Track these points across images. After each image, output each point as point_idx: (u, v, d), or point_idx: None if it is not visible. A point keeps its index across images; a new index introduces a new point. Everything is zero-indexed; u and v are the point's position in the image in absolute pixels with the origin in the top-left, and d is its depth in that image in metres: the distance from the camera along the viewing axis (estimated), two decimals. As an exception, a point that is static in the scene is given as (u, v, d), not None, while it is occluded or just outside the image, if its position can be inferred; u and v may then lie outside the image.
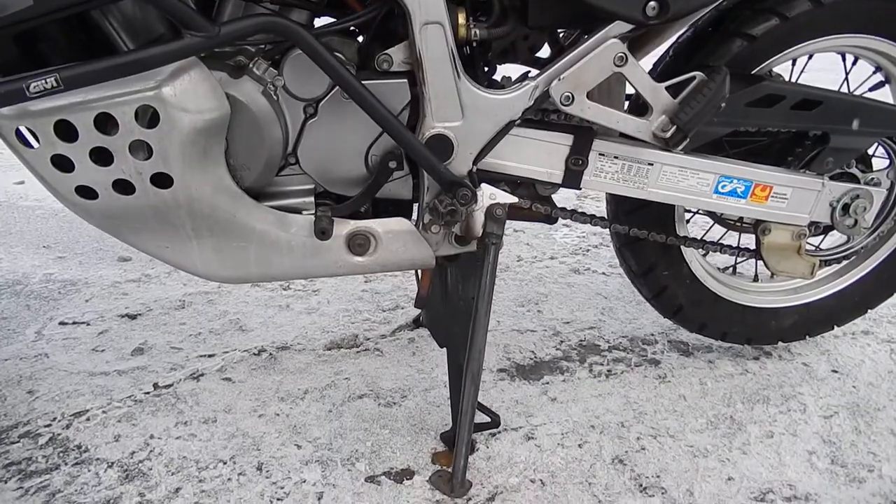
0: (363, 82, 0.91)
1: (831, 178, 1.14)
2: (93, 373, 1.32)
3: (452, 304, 1.09)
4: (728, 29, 1.08)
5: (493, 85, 0.99)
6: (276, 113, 0.91)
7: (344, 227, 0.98)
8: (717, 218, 1.29)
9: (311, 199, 0.98)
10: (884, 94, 1.24)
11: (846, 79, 1.20)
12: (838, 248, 1.29)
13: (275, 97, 0.91)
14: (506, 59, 1.08)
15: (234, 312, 1.55)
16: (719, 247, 1.18)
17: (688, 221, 1.25)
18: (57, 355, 1.39)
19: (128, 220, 0.89)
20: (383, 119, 0.90)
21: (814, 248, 1.32)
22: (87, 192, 0.84)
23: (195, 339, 1.45)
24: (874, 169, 1.20)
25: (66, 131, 0.79)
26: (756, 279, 1.34)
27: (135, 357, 1.39)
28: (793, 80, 1.16)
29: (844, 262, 1.29)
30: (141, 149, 0.82)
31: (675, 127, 0.96)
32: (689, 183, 1.07)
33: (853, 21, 1.09)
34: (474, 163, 0.99)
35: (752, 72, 1.10)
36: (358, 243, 0.99)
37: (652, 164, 1.05)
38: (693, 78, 0.96)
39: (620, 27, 0.93)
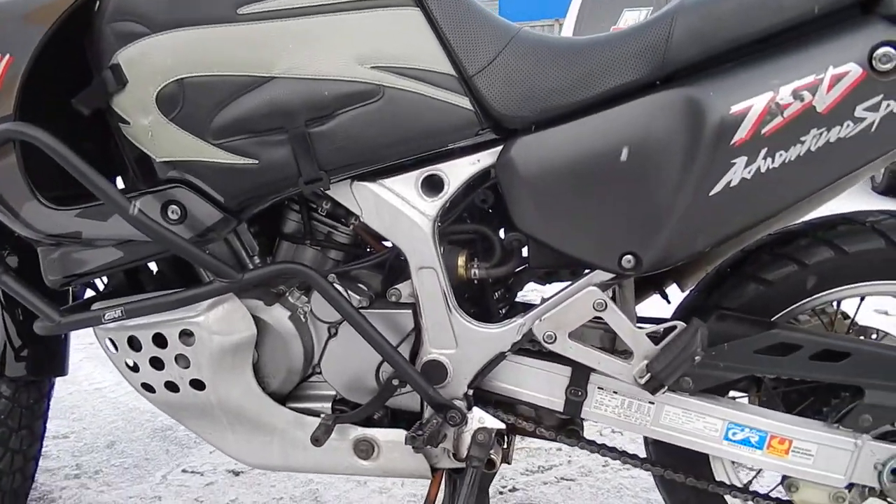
0: (374, 310, 1.08)
1: (880, 437, 1.03)
2: (184, 523, 1.54)
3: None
4: (745, 272, 1.08)
5: (491, 318, 1.09)
6: (302, 333, 1.10)
7: (352, 433, 1.11)
8: None
9: (330, 404, 1.13)
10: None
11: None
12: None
13: (303, 319, 1.11)
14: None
15: (318, 482, 1.71)
16: (752, 495, 1.10)
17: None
18: (167, 500, 1.65)
19: (180, 410, 1.11)
20: (380, 347, 1.04)
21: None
22: (148, 388, 1.09)
23: (276, 503, 1.63)
24: (948, 428, 1.05)
25: (133, 343, 1.05)
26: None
27: (222, 513, 1.59)
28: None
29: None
30: (183, 359, 1.05)
31: (649, 374, 0.97)
32: (696, 426, 1.04)
33: (893, 269, 1.03)
34: (469, 386, 1.08)
35: (776, 316, 1.07)
36: (362, 448, 1.10)
37: (653, 403, 1.05)
38: (675, 327, 0.98)
39: (601, 276, 1.00)
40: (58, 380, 2.32)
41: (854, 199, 5.92)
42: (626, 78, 0.93)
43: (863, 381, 1.01)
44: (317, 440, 1.04)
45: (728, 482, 1.16)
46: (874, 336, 1.20)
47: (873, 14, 0.86)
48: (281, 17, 0.96)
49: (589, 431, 1.75)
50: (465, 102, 0.98)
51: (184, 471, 1.79)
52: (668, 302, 1.24)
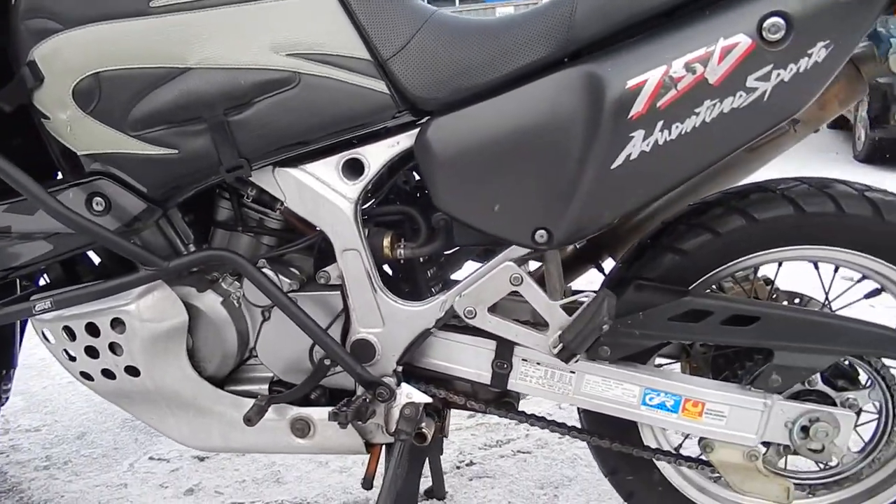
0: (306, 293, 1.11)
1: (797, 396, 1.07)
2: (147, 508, 1.58)
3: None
4: (662, 243, 1.11)
5: (416, 296, 1.12)
6: (235, 317, 1.13)
7: (289, 412, 1.15)
8: None
9: (267, 386, 1.17)
10: (883, 301, 1.15)
11: (825, 289, 1.14)
12: (822, 472, 1.16)
13: (237, 304, 1.14)
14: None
15: (281, 464, 1.75)
16: (674, 457, 1.13)
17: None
18: (133, 487, 1.69)
19: (120, 397, 1.15)
20: (307, 328, 1.07)
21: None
22: (87, 377, 1.12)
23: (239, 485, 1.67)
24: (859, 388, 1.09)
25: (68, 333, 1.07)
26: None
27: (185, 497, 1.63)
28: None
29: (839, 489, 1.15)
30: (116, 347, 1.08)
31: (562, 344, 1.00)
32: (615, 393, 1.08)
33: (803, 234, 1.06)
34: (398, 363, 1.11)
35: (693, 285, 1.10)
36: (298, 427, 1.14)
37: (574, 373, 1.09)
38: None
39: (517, 251, 1.03)
40: (32, 374, 2.38)
41: (833, 169, 5.96)
42: (532, 57, 0.96)
43: (772, 344, 1.04)
44: (249, 420, 1.07)
45: (655, 446, 1.19)
46: (798, 301, 1.24)
47: None
48: (195, 8, 0.98)
49: (543, 406, 1.79)
50: (380, 86, 1.00)
51: (150, 458, 1.83)
52: (605, 275, 1.27)
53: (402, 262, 1.12)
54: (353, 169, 1.05)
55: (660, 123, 0.90)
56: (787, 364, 1.04)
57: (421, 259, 1.19)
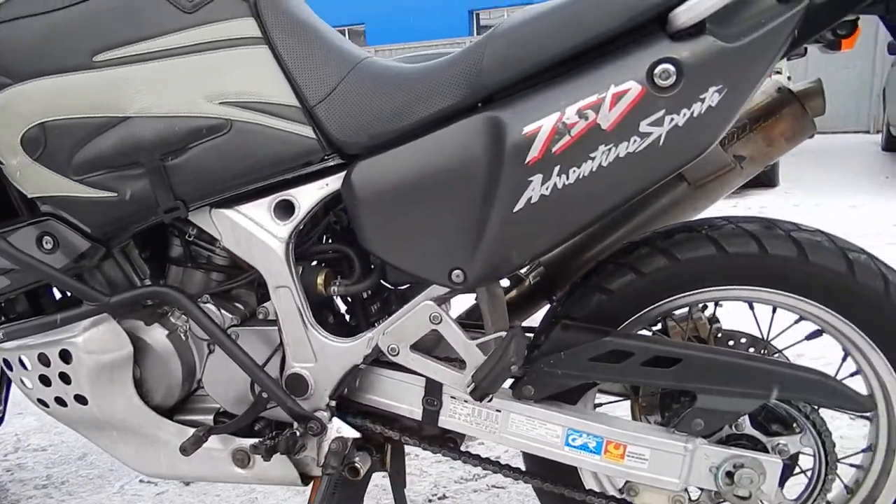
0: (248, 328, 1.16)
1: (727, 439, 1.05)
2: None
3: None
4: (591, 282, 1.12)
5: (349, 332, 1.15)
6: (182, 350, 1.19)
7: (231, 443, 1.19)
8: None
9: (213, 416, 1.22)
10: (824, 343, 1.13)
11: (761, 328, 1.12)
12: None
13: (184, 337, 1.20)
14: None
15: (259, 490, 1.80)
16: (607, 500, 1.12)
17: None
18: (119, 509, 1.76)
19: (74, 422, 1.21)
20: (241, 362, 1.11)
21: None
22: (43, 403, 1.19)
23: (216, 511, 1.72)
24: (794, 433, 1.06)
25: (23, 363, 1.15)
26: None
27: (164, 520, 1.69)
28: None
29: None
30: (65, 377, 1.14)
31: (473, 384, 1.02)
32: (539, 433, 1.08)
33: (727, 275, 1.05)
34: (331, 398, 1.14)
35: (623, 325, 1.10)
36: (238, 458, 1.18)
37: (500, 411, 1.10)
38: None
39: (437, 290, 1.05)
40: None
41: (881, 191, 5.72)
42: (445, 103, 0.99)
43: (694, 386, 1.03)
44: (184, 450, 1.12)
45: (599, 490, 1.19)
46: (742, 341, 1.22)
47: (660, 31, 0.89)
48: (135, 61, 1.05)
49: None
50: (307, 131, 1.05)
51: (141, 481, 1.90)
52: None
53: (335, 298, 1.16)
54: (285, 210, 1.10)
55: (556, 168, 0.92)
56: (709, 407, 1.02)
57: (365, 294, 1.23)
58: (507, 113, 0.94)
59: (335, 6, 16.35)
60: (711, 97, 0.87)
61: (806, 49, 1.12)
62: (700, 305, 1.25)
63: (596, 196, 0.93)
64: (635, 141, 0.90)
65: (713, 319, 1.22)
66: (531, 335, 1.16)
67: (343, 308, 1.30)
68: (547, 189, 0.93)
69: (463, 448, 1.17)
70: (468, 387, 1.04)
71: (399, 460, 1.27)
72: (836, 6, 0.90)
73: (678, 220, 1.25)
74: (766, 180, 6.30)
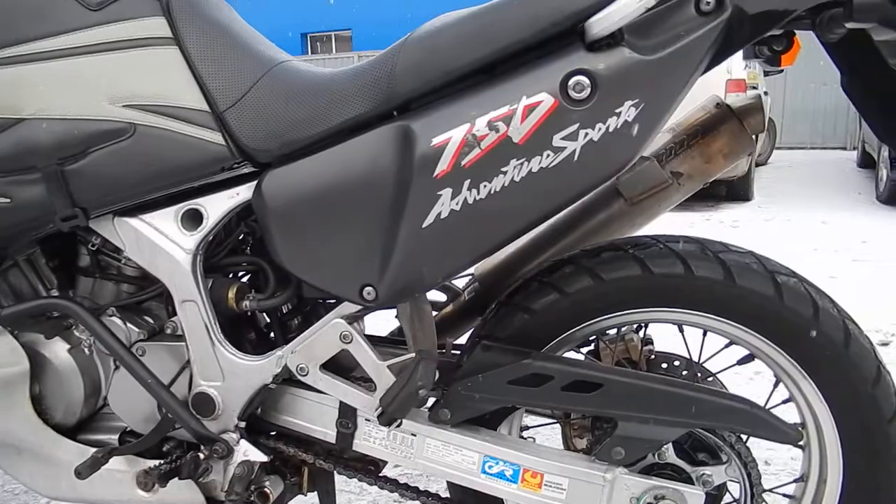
0: (155, 343, 1.10)
1: (650, 469, 1.00)
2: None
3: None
4: (514, 301, 1.07)
5: (257, 350, 1.10)
6: (84, 366, 1.12)
7: (136, 465, 1.12)
8: None
9: (117, 436, 1.15)
10: (756, 368, 1.08)
11: (690, 351, 1.08)
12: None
13: (88, 352, 1.13)
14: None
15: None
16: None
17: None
18: (40, 527, 1.68)
19: (-27, 441, 1.14)
20: (142, 379, 1.05)
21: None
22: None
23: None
24: (720, 462, 1.02)
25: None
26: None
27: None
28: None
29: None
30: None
31: (381, 408, 0.96)
32: (455, 459, 1.03)
33: (652, 296, 1.01)
34: (240, 419, 1.08)
35: (548, 346, 1.05)
36: (142, 481, 1.11)
37: (415, 435, 1.04)
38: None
39: (348, 307, 1.00)
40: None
41: (853, 209, 5.73)
42: (356, 111, 0.94)
43: (615, 413, 0.98)
44: (79, 474, 1.05)
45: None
46: (676, 364, 1.18)
47: (578, 42, 0.85)
48: (34, 60, 0.99)
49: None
50: (217, 138, 1.00)
51: (68, 497, 1.82)
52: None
53: (248, 313, 1.10)
54: (193, 219, 1.04)
55: (467, 182, 0.87)
56: (630, 435, 0.97)
57: (285, 309, 1.17)
58: (418, 123, 0.89)
59: (322, 12, 16.35)
60: (628, 111, 0.83)
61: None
62: (635, 326, 1.20)
63: (509, 212, 0.89)
64: (549, 155, 0.85)
65: (646, 341, 1.18)
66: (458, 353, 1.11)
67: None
68: (457, 204, 0.88)
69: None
70: (375, 411, 0.98)
71: (328, 481, 1.21)
72: (760, 20, 0.86)
73: (616, 236, 1.21)
74: (741, 194, 6.32)
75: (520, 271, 1.28)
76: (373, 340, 1.26)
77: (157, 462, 1.05)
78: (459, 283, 1.43)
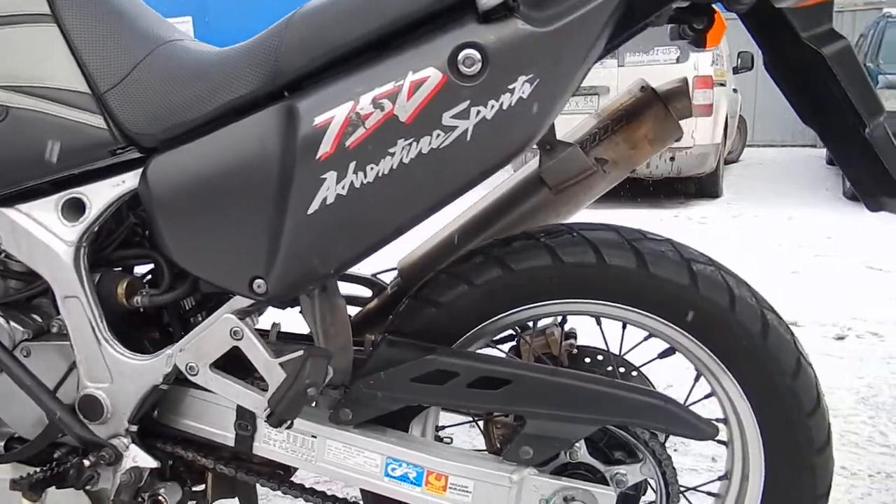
0: (42, 342, 1.02)
1: (563, 468, 0.95)
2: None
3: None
4: (422, 294, 1.01)
5: (145, 349, 1.02)
6: (-36, 367, 1.04)
7: (23, 473, 1.05)
8: None
9: (3, 442, 1.07)
10: (676, 362, 1.04)
11: (608, 344, 1.02)
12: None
13: (-31, 353, 1.05)
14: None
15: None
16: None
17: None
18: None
19: None
20: (23, 385, 0.98)
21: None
22: None
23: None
24: (636, 461, 0.97)
25: None
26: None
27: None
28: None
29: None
30: None
31: (269, 408, 0.90)
32: (357, 461, 0.97)
33: (564, 287, 0.95)
34: (131, 422, 1.01)
35: (459, 341, 0.99)
36: (25, 490, 1.03)
37: (315, 437, 0.98)
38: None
39: (241, 302, 0.93)
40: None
41: (818, 205, 5.76)
42: (240, 91, 0.87)
43: (523, 410, 0.92)
44: (-46, 482, 0.98)
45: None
46: (599, 358, 1.13)
47: (471, 14, 0.79)
48: None
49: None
50: (98, 121, 0.93)
51: None
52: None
53: (140, 310, 1.03)
54: (75, 209, 0.97)
55: (352, 165, 0.81)
56: (538, 433, 0.92)
57: (187, 305, 1.11)
58: (303, 102, 0.83)
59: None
60: (522, 88, 0.77)
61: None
62: (559, 320, 1.15)
63: (402, 197, 0.83)
64: (439, 135, 0.79)
65: (568, 335, 1.12)
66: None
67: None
68: (343, 188, 0.82)
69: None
70: (264, 411, 0.91)
71: (250, 490, 1.13)
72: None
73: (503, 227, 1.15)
74: (710, 191, 6.32)
75: (442, 264, 1.22)
76: (291, 338, 1.21)
77: (36, 469, 0.98)
78: (387, 277, 1.37)
